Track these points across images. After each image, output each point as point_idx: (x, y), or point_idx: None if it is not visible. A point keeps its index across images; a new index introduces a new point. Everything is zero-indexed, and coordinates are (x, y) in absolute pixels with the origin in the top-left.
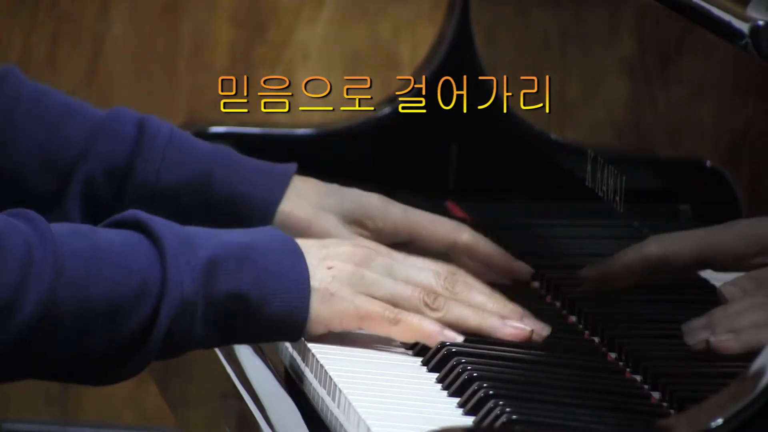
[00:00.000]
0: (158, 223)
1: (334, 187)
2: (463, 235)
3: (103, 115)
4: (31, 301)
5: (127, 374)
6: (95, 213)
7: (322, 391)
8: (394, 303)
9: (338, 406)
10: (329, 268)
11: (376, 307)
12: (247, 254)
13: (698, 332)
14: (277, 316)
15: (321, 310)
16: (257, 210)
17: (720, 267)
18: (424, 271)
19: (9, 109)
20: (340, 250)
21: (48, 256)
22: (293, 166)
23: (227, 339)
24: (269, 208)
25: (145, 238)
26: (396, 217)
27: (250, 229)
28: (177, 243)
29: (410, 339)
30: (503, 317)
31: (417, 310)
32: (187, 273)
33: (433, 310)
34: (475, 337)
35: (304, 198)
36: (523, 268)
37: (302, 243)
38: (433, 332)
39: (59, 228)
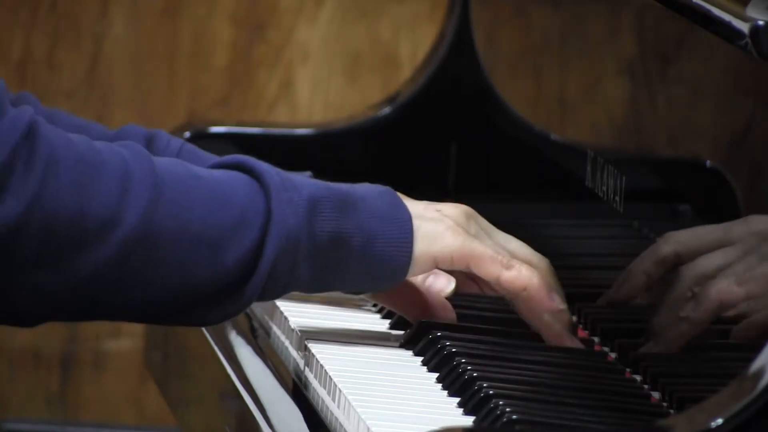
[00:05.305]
0: (258, 161)
1: None
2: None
3: (113, 133)
4: (131, 217)
5: (232, 311)
6: None
7: (322, 391)
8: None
9: (338, 406)
10: (437, 210)
11: (489, 249)
12: (347, 197)
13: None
14: (379, 257)
15: (429, 247)
16: None
17: None
18: (523, 246)
19: None
20: (445, 204)
21: (147, 176)
22: None
23: (324, 284)
24: None
25: (246, 174)
26: None
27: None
28: (279, 180)
29: (515, 289)
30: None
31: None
32: (290, 208)
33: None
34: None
35: None
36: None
37: (402, 195)
38: (542, 288)
39: (157, 157)
